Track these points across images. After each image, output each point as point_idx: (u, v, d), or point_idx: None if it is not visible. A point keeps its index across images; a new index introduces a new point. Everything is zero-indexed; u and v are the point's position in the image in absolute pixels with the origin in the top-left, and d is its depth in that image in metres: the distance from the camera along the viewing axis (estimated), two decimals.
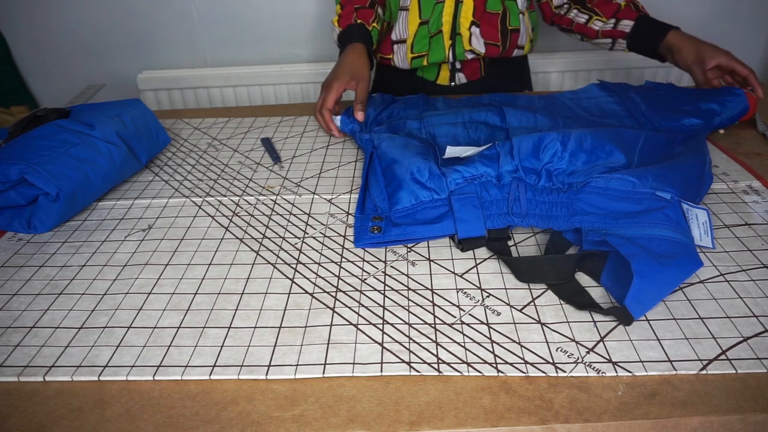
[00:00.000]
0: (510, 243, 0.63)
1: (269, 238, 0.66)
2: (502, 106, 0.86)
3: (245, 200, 0.75)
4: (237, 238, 0.67)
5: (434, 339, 0.51)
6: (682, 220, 0.58)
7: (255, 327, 0.53)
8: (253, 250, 0.64)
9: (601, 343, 0.49)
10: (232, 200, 0.75)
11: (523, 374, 0.47)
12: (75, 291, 0.59)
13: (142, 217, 0.72)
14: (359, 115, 0.89)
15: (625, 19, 0.99)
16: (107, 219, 0.72)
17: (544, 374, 0.47)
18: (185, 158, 0.88)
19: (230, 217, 0.71)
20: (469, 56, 1.04)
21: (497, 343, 0.50)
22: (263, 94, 1.54)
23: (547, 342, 0.50)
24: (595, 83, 0.97)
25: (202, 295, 0.58)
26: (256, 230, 0.68)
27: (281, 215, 0.71)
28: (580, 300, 0.54)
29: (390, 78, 1.13)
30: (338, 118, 0.91)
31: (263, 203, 0.74)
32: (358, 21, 0.98)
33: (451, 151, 0.75)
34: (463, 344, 0.50)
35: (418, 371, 0.47)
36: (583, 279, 0.57)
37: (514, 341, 0.50)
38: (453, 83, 1.09)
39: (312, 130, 0.96)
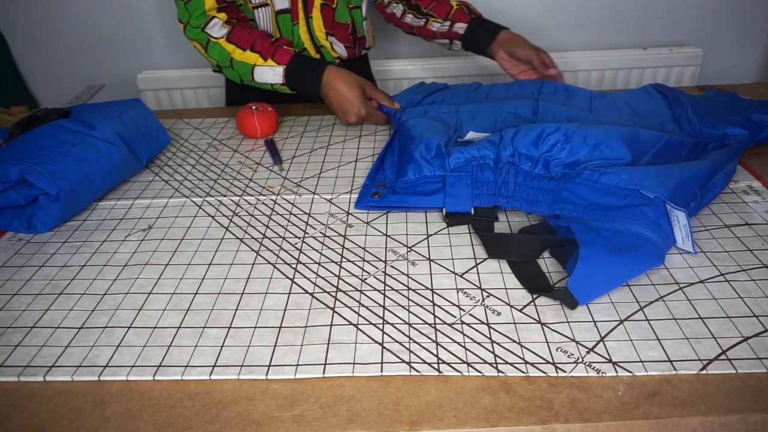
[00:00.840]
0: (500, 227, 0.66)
1: (269, 238, 0.66)
2: (539, 101, 0.87)
3: (245, 200, 0.75)
4: (237, 238, 0.67)
5: (434, 339, 0.51)
6: (663, 222, 0.58)
7: (255, 327, 0.53)
8: (253, 250, 0.64)
9: (602, 343, 0.49)
10: (232, 200, 0.75)
11: (524, 374, 0.47)
12: (75, 291, 0.59)
13: (142, 217, 0.72)
14: (396, 105, 0.95)
15: (459, 22, 1.08)
16: (107, 219, 0.72)
17: (544, 374, 0.47)
18: (185, 158, 0.88)
19: (230, 217, 0.71)
20: (337, 61, 1.08)
21: (497, 343, 0.50)
22: None
23: (547, 342, 0.50)
24: (651, 84, 0.96)
25: (203, 295, 0.58)
26: (256, 230, 0.68)
27: (281, 215, 0.71)
28: (534, 283, 0.56)
29: (249, 94, 1.09)
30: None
31: (263, 203, 0.74)
32: (286, 47, 0.94)
33: (471, 136, 0.78)
34: (463, 344, 0.50)
35: (418, 371, 0.47)
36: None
37: (514, 341, 0.50)
38: None
39: (312, 130, 0.96)
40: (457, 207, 0.67)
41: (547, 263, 0.60)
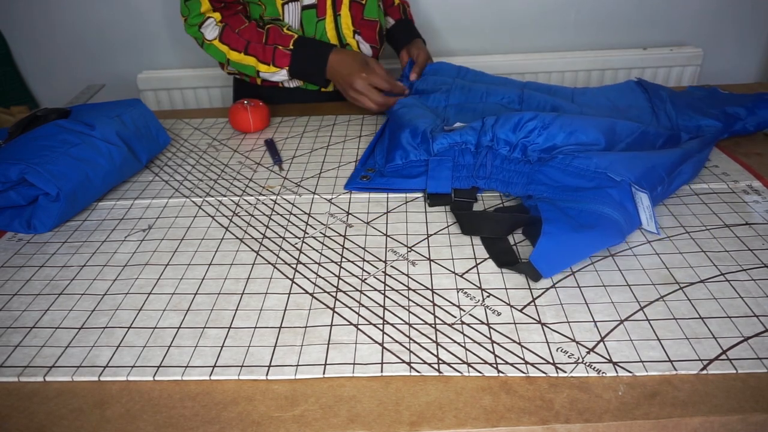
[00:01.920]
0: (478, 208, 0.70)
1: (269, 238, 0.66)
2: (525, 89, 0.92)
3: (245, 200, 0.75)
4: (237, 238, 0.67)
5: (434, 339, 0.51)
6: (627, 203, 0.62)
7: (255, 327, 0.53)
8: (253, 250, 0.64)
9: (602, 343, 0.49)
10: (232, 200, 0.75)
11: (524, 374, 0.47)
12: (75, 291, 0.59)
13: (142, 217, 0.72)
14: (413, 76, 1.00)
15: (389, 17, 1.16)
16: (107, 219, 0.72)
17: (544, 374, 0.47)
18: (185, 158, 0.88)
19: (230, 217, 0.71)
20: None
21: (497, 344, 0.50)
22: None
23: (547, 342, 0.50)
24: (633, 80, 0.99)
25: (202, 295, 0.58)
26: (256, 230, 0.68)
27: (281, 215, 0.71)
28: (503, 258, 0.60)
29: (270, 96, 1.09)
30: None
31: (263, 203, 0.74)
32: (281, 48, 0.97)
33: (458, 125, 0.80)
34: (463, 344, 0.50)
35: (418, 371, 0.47)
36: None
37: (514, 341, 0.50)
38: (335, 87, 1.09)
39: (312, 130, 0.96)
40: (438, 188, 0.72)
41: (516, 240, 0.63)
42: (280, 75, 0.99)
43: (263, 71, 0.99)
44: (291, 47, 0.96)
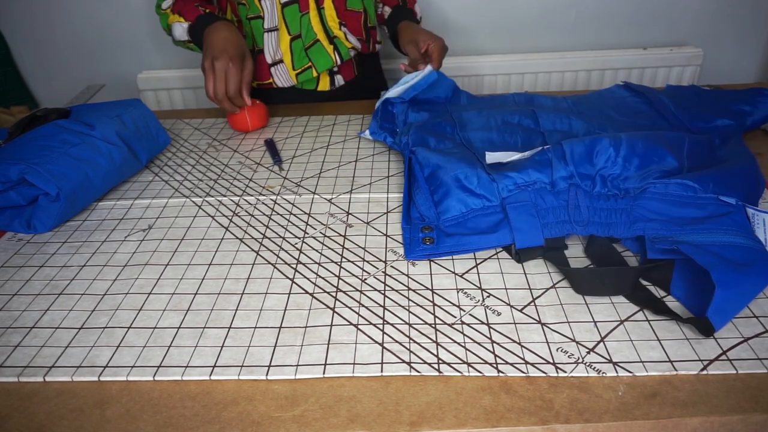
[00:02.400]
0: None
1: (269, 238, 0.66)
2: (534, 109, 0.85)
3: (245, 200, 0.75)
4: (237, 238, 0.67)
5: (434, 339, 0.51)
6: (748, 225, 0.57)
7: (255, 327, 0.53)
8: (253, 250, 0.64)
9: (602, 343, 0.49)
10: (232, 200, 0.75)
11: (524, 374, 0.47)
12: (75, 291, 0.59)
13: (142, 217, 0.72)
14: (248, 100, 0.92)
15: (387, 6, 1.08)
16: (107, 219, 0.72)
17: (544, 374, 0.47)
18: (185, 158, 0.88)
19: (230, 217, 0.71)
20: (352, 53, 1.07)
21: (497, 344, 0.50)
22: None
23: (547, 342, 0.50)
24: (620, 84, 0.96)
25: (202, 295, 0.58)
26: (256, 230, 0.68)
27: (281, 215, 0.71)
28: (657, 306, 0.53)
29: (266, 98, 1.07)
30: (366, 132, 0.90)
31: (263, 203, 0.74)
32: (207, 11, 0.95)
33: (491, 157, 0.72)
34: (463, 344, 0.50)
35: (418, 371, 0.47)
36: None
37: (514, 341, 0.50)
38: (333, 87, 1.10)
39: (312, 130, 0.96)
40: (527, 242, 0.60)
41: (548, 264, 0.60)
42: (182, 28, 0.97)
43: (174, 22, 0.97)
44: (205, 11, 0.96)
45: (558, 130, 0.80)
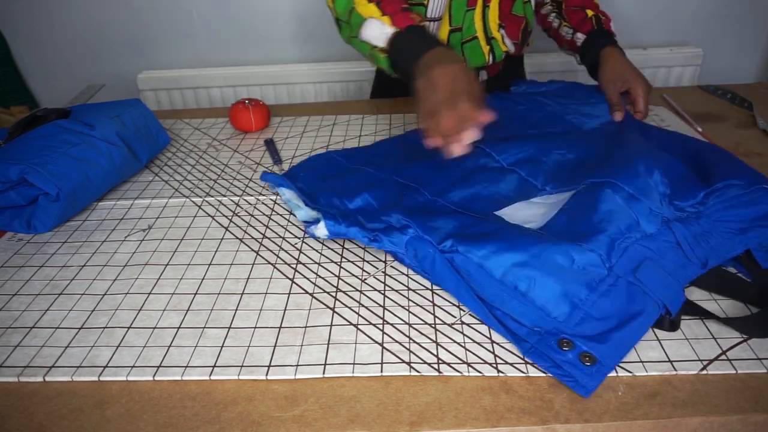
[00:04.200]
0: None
1: (269, 238, 0.66)
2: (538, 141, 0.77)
3: (245, 200, 0.75)
4: (237, 238, 0.67)
5: (434, 339, 0.51)
6: None
7: (255, 327, 0.53)
8: (253, 250, 0.64)
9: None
10: (232, 200, 0.75)
11: (524, 374, 0.47)
12: (75, 291, 0.59)
13: (142, 217, 0.72)
14: (639, 115, 0.83)
15: (579, 32, 0.96)
16: (107, 219, 0.72)
17: (544, 374, 0.47)
18: (185, 158, 0.88)
19: (230, 217, 0.71)
20: (504, 56, 1.01)
21: (497, 343, 0.50)
22: (263, 94, 1.54)
23: None
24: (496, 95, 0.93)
25: (202, 295, 0.58)
26: (256, 230, 0.68)
27: (281, 215, 0.71)
28: None
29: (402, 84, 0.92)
30: (310, 223, 0.68)
31: (263, 203, 0.74)
32: (421, 22, 0.75)
33: (509, 212, 0.65)
34: (463, 344, 0.50)
35: (418, 371, 0.47)
36: None
37: None
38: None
39: (312, 130, 0.96)
40: (676, 304, 0.51)
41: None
42: (382, 31, 0.74)
43: (374, 18, 0.75)
44: (419, 23, 0.74)
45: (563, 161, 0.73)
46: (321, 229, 0.63)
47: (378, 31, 0.74)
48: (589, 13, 0.95)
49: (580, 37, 0.95)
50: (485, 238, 0.56)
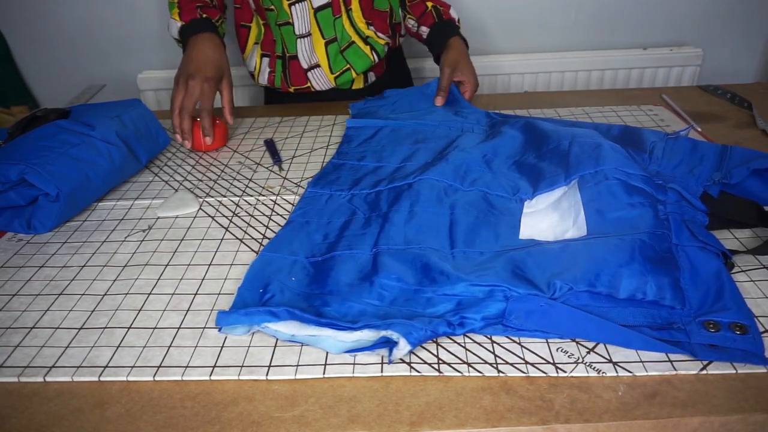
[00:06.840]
0: None
1: (269, 239, 0.66)
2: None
3: (245, 200, 0.75)
4: (237, 238, 0.67)
5: (434, 339, 0.51)
6: None
7: None
8: (253, 250, 0.64)
9: (602, 343, 0.49)
10: (232, 200, 0.75)
11: (524, 374, 0.47)
12: (75, 291, 0.59)
13: (142, 217, 0.72)
14: (230, 119, 0.90)
15: (423, 26, 1.06)
16: (107, 219, 0.72)
17: (544, 374, 0.47)
18: (185, 158, 0.88)
19: (230, 218, 0.71)
20: (386, 49, 1.07)
21: (497, 344, 0.50)
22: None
23: (547, 342, 0.50)
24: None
25: (202, 295, 0.58)
26: (257, 230, 0.68)
27: (281, 215, 0.71)
28: None
29: (305, 101, 1.09)
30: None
31: (263, 203, 0.74)
32: (204, 16, 0.94)
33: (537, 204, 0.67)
34: (463, 344, 0.50)
35: (418, 371, 0.47)
36: None
37: (514, 341, 0.50)
38: (366, 84, 1.10)
39: (312, 130, 0.96)
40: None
41: None
42: (175, 27, 0.95)
43: (171, 19, 0.96)
44: (201, 15, 0.94)
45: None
46: (403, 349, 0.46)
47: (174, 27, 0.96)
48: (429, 5, 1.06)
49: (425, 30, 1.06)
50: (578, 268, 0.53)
